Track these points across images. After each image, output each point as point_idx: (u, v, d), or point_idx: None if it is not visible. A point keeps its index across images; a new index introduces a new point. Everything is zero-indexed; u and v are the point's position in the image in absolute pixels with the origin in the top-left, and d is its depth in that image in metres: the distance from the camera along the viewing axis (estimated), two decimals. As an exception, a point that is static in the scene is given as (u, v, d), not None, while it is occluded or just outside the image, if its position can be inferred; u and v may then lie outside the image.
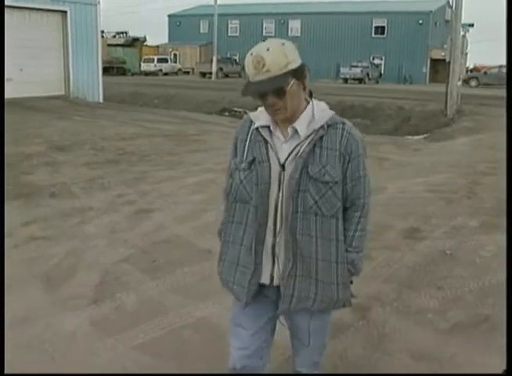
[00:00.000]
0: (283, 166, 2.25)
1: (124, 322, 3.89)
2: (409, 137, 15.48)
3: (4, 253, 4.58)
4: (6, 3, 15.24)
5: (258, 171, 2.26)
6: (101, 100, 18.21)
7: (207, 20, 54.53)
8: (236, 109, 19.72)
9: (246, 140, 2.33)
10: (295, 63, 2.16)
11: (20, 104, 15.21)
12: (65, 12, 16.94)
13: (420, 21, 46.54)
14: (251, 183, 2.28)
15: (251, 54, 2.15)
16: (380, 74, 44.14)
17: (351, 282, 2.43)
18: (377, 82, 42.04)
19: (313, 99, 2.32)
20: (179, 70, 51.78)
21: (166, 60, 50.87)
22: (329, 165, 2.23)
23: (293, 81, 2.16)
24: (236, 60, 48.84)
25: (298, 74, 2.17)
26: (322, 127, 2.23)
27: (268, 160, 2.25)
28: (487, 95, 27.60)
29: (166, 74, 48.88)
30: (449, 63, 19.69)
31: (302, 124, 2.24)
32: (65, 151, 9.85)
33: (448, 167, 9.67)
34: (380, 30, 48.60)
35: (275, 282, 2.33)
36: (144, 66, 49.66)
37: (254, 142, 2.29)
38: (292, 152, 2.24)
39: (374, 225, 6.02)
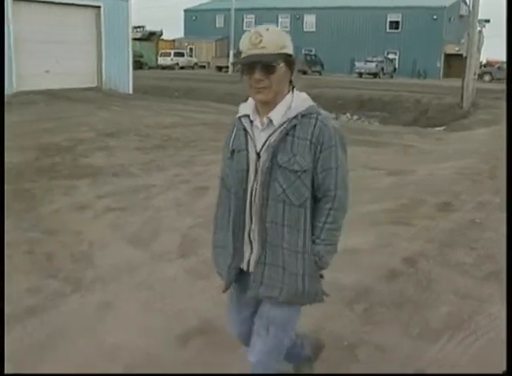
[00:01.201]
0: (258, 154, 2.30)
1: (211, 270, 4.66)
2: (429, 128, 16.12)
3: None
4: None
5: (237, 159, 2.33)
6: (131, 92, 19.02)
7: (222, 15, 55.24)
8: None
9: (233, 130, 2.41)
10: (289, 50, 2.25)
11: (58, 95, 16.03)
12: (99, 7, 17.74)
13: (435, 16, 46.98)
14: (232, 171, 2.36)
15: (250, 31, 2.25)
16: (395, 69, 44.67)
17: (321, 276, 2.39)
18: (391, 77, 42.57)
19: (294, 91, 2.36)
20: (195, 64, 52.43)
21: (182, 54, 51.55)
22: (299, 154, 2.25)
23: (283, 64, 2.23)
24: (251, 55, 49.41)
25: (289, 61, 2.26)
26: (295, 116, 2.27)
27: (247, 149, 2.32)
28: (501, 90, 28.16)
29: (182, 67, 49.55)
30: (466, 57, 20.35)
31: (277, 114, 2.29)
32: (114, 137, 10.64)
33: (470, 154, 10.38)
34: (395, 25, 49.09)
35: (250, 268, 2.39)
36: (161, 60, 50.33)
37: (237, 130, 2.38)
38: (266, 141, 2.30)
39: (410, 200, 6.84)
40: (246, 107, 2.36)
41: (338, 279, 4.30)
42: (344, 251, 4.80)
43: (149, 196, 7.00)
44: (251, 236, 2.35)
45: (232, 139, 2.39)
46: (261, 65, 2.19)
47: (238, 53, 2.33)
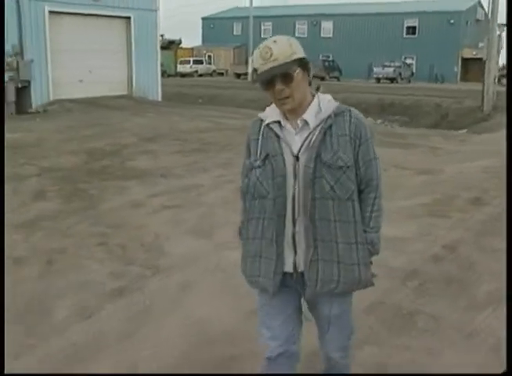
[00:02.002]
0: (296, 157, 2.35)
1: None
2: (452, 131, 16.53)
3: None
4: (75, 11, 16.80)
5: (273, 165, 2.37)
6: (160, 99, 19.64)
7: (240, 23, 55.97)
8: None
9: (258, 139, 2.44)
10: (300, 54, 2.33)
11: (92, 103, 16.68)
12: (129, 18, 18.40)
13: (452, 21, 47.29)
14: (267, 178, 2.38)
15: (259, 48, 2.32)
16: (412, 74, 44.98)
17: (371, 262, 2.51)
18: (409, 82, 42.88)
19: (318, 93, 2.45)
20: (214, 71, 53.16)
21: (201, 62, 52.32)
22: (341, 151, 2.34)
23: (298, 70, 2.31)
24: (269, 62, 50.04)
25: (303, 64, 2.33)
26: (329, 116, 2.36)
27: (282, 154, 2.37)
28: (520, 93, 28.40)
29: (201, 75, 50.26)
30: (486, 61, 20.75)
31: (311, 115, 2.37)
32: (154, 142, 11.22)
33: (494, 154, 10.77)
34: (412, 30, 49.47)
35: (299, 269, 2.43)
36: (180, 68, 51.09)
37: (267, 138, 2.41)
38: (304, 142, 2.35)
39: (443, 195, 7.31)
40: (273, 114, 2.42)
41: (389, 262, 4.81)
42: (389, 239, 5.31)
43: (199, 194, 7.54)
44: (296, 239, 2.39)
45: (259, 146, 2.43)
46: (279, 77, 2.28)
47: (254, 71, 2.36)
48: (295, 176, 2.35)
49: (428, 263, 4.91)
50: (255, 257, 2.48)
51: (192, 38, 78.25)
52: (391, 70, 42.05)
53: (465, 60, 47.19)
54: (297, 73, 2.30)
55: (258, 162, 2.41)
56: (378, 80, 41.96)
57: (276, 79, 2.28)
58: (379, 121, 20.26)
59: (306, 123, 2.36)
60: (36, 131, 12.32)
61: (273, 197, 2.37)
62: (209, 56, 56.41)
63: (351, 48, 50.54)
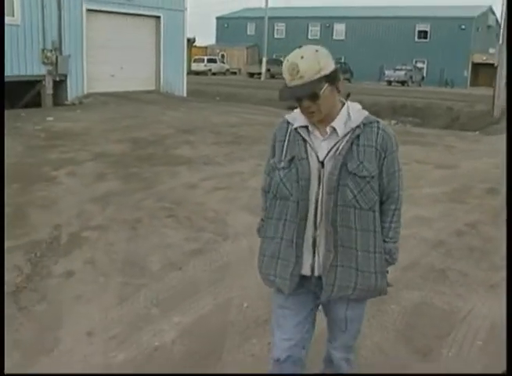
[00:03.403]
0: (322, 163, 2.39)
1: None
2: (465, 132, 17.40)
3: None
4: (110, 9, 17.75)
5: (298, 168, 2.41)
6: (185, 95, 20.58)
7: (253, 23, 56.91)
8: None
9: (284, 140, 2.48)
10: (328, 68, 2.32)
11: (124, 97, 17.62)
12: (158, 17, 19.34)
13: (463, 26, 48.14)
14: (291, 180, 2.43)
15: (287, 60, 2.33)
16: (423, 77, 45.88)
17: (387, 271, 2.57)
18: (419, 85, 43.74)
19: (348, 101, 2.48)
20: (227, 70, 54.04)
21: (215, 61, 53.18)
22: (367, 161, 2.39)
23: (326, 86, 2.32)
24: (282, 62, 50.98)
25: (331, 78, 2.33)
26: (358, 126, 2.40)
27: (307, 158, 2.41)
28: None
29: (214, 73, 51.07)
30: (497, 67, 21.60)
31: (340, 124, 2.40)
32: (191, 134, 12.15)
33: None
34: (423, 34, 50.35)
35: (316, 273, 2.47)
36: (194, 66, 51.89)
37: (293, 141, 2.45)
38: (331, 150, 2.40)
39: (461, 186, 8.22)
40: (299, 119, 2.47)
41: (419, 235, 5.76)
42: (418, 218, 6.30)
43: (243, 179, 8.45)
44: (317, 242, 2.44)
45: (284, 148, 2.47)
46: (304, 96, 2.32)
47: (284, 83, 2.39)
48: (319, 181, 2.40)
49: (452, 236, 5.84)
50: (272, 257, 2.54)
51: (205, 37, 79.20)
52: (402, 73, 42.93)
53: (475, 65, 48.03)
54: (324, 90, 2.32)
55: (283, 164, 2.45)
56: (389, 83, 42.83)
57: (302, 97, 2.33)
58: (393, 121, 21.10)
59: (335, 131, 2.41)
60: (81, 121, 13.25)
61: (296, 200, 2.42)
62: (222, 55, 57.29)
63: (362, 51, 51.40)
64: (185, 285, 4.65)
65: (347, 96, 2.49)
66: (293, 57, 2.30)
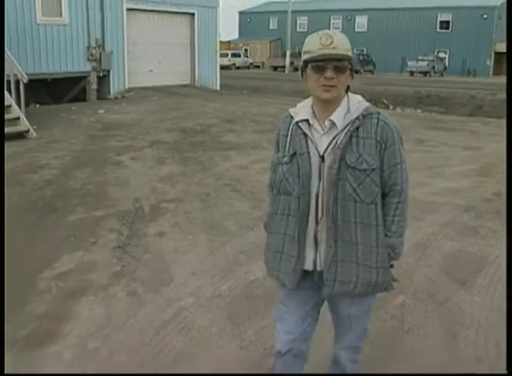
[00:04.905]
0: (322, 157, 2.38)
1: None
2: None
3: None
4: (148, 8, 18.78)
5: (299, 163, 2.40)
6: (218, 88, 21.57)
7: (276, 17, 57.76)
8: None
9: (287, 135, 2.48)
10: (352, 53, 2.40)
11: (163, 90, 18.65)
12: (193, 14, 20.33)
13: (485, 16, 48.44)
14: (293, 175, 2.42)
15: (317, 34, 2.35)
16: (445, 67, 46.33)
17: (392, 266, 2.53)
18: (442, 75, 44.19)
19: (349, 93, 2.47)
20: (251, 64, 54.96)
21: (239, 55, 54.12)
22: (366, 153, 2.36)
23: (349, 66, 2.37)
24: (305, 55, 51.87)
25: (352, 65, 2.38)
26: (357, 118, 2.37)
27: (308, 153, 2.39)
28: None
29: (238, 67, 51.97)
30: (520, 56, 22.22)
31: (339, 117, 2.38)
32: (234, 123, 13.12)
33: (529, 136, 12.50)
34: (445, 24, 50.73)
35: (318, 268, 2.47)
36: (219, 61, 52.91)
37: (295, 136, 2.44)
38: (330, 143, 2.38)
39: (486, 164, 9.12)
40: (303, 112, 2.46)
41: (452, 201, 6.69)
42: (450, 189, 7.20)
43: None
44: (318, 237, 2.44)
45: (287, 143, 2.47)
46: (334, 64, 2.31)
47: (304, 53, 2.38)
48: (320, 176, 2.39)
49: (482, 203, 6.75)
50: (276, 252, 2.56)
51: (228, 32, 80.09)
52: (424, 63, 43.48)
53: (498, 54, 48.32)
54: (349, 68, 2.37)
55: (286, 158, 2.45)
56: (412, 73, 43.39)
57: (330, 66, 2.31)
58: (418, 110, 21.88)
59: (334, 124, 2.39)
60: (130, 113, 14.30)
61: (298, 195, 2.42)
62: (245, 50, 58.21)
63: (384, 43, 52.00)
64: (262, 241, 5.58)
65: (348, 89, 2.47)
66: (326, 31, 2.35)
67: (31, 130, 11.28)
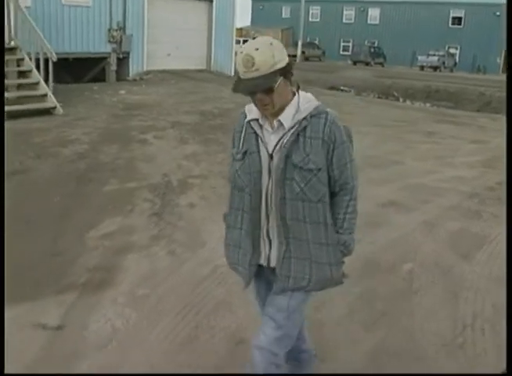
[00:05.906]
0: (271, 156, 2.40)
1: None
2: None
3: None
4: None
5: (250, 161, 2.44)
6: (233, 74, 22.06)
7: (289, 6, 57.99)
8: (342, 87, 23.43)
9: (241, 132, 2.52)
10: (282, 62, 2.29)
11: (180, 74, 19.16)
12: (211, 1, 20.80)
13: (497, 13, 48.56)
14: (245, 172, 2.45)
15: (241, 52, 2.28)
16: (455, 63, 46.66)
17: (343, 262, 2.56)
18: (451, 71, 44.52)
19: (299, 91, 2.45)
20: (262, 51, 55.23)
21: (250, 42, 54.41)
22: (313, 153, 2.36)
23: (280, 80, 2.30)
24: (317, 45, 52.27)
25: (285, 72, 2.31)
26: (305, 118, 2.37)
27: (258, 151, 2.42)
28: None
29: (249, 54, 52.39)
30: (529, 55, 22.63)
31: (287, 117, 2.39)
32: (250, 108, 13.64)
33: (533, 133, 13.00)
34: (457, 20, 50.98)
35: (272, 264, 2.52)
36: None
37: (247, 134, 2.48)
38: (278, 142, 2.40)
39: (491, 156, 9.69)
40: (254, 111, 2.46)
41: (457, 188, 7.25)
42: (456, 177, 7.75)
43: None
44: (270, 234, 2.49)
45: (241, 141, 2.50)
46: (259, 90, 2.30)
47: (237, 75, 2.40)
48: (269, 174, 2.42)
49: (485, 191, 7.29)
50: (235, 247, 2.59)
51: (241, 19, 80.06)
52: (435, 58, 43.82)
53: (508, 52, 48.54)
54: (278, 83, 2.31)
55: (239, 155, 2.49)
56: (422, 68, 43.73)
57: (257, 90, 2.31)
58: (428, 104, 22.33)
59: (282, 124, 2.40)
60: (150, 94, 14.84)
61: (250, 191, 2.46)
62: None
63: (396, 36, 52.25)
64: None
65: (298, 88, 2.48)
66: (247, 49, 2.27)
67: (58, 107, 11.81)
